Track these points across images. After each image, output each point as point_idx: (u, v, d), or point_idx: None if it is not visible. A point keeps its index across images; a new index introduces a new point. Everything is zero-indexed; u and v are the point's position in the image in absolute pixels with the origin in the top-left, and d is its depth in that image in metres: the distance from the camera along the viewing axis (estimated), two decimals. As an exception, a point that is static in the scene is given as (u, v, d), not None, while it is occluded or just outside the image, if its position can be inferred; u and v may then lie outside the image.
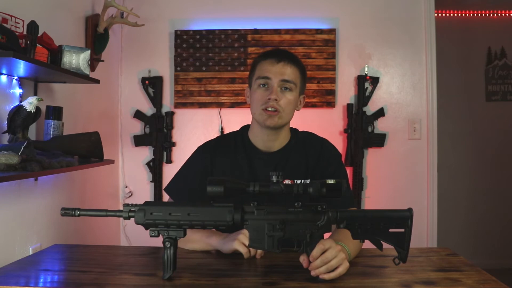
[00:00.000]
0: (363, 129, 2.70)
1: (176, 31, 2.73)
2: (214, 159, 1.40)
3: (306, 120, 2.69)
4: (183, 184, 1.41)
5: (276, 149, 1.40)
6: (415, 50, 2.76)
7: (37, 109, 1.58)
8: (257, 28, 2.73)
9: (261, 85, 1.34)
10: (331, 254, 1.02)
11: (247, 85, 1.44)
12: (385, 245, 1.06)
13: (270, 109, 1.31)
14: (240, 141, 1.43)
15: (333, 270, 1.03)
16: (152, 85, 2.76)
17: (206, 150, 1.43)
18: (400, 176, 2.75)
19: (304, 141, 1.43)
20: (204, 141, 2.73)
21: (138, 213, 1.04)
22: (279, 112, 1.32)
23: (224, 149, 1.42)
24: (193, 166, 1.43)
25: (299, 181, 1.06)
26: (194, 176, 1.40)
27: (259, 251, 1.18)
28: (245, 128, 1.46)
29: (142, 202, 1.06)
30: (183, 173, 1.43)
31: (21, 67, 1.44)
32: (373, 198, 2.74)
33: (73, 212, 1.04)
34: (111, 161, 2.04)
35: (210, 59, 2.72)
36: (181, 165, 1.47)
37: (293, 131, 1.46)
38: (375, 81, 2.72)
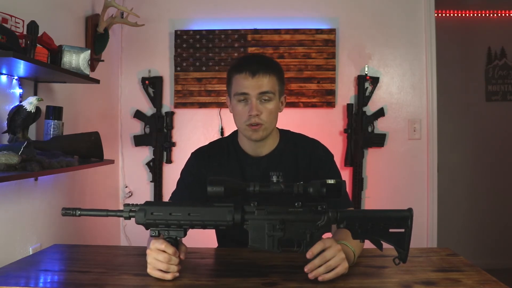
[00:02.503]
0: (363, 129, 2.70)
1: (176, 31, 2.73)
2: (207, 164, 1.41)
3: (306, 120, 2.70)
4: (186, 192, 1.40)
5: (265, 154, 1.40)
6: (415, 50, 2.76)
7: (37, 109, 1.58)
8: (257, 28, 2.73)
9: (240, 101, 1.33)
10: (330, 254, 1.02)
11: (227, 94, 1.42)
12: (385, 245, 1.06)
13: (253, 124, 1.31)
14: (231, 146, 1.44)
15: (331, 270, 1.03)
16: (152, 85, 2.76)
17: (199, 156, 1.44)
18: (400, 176, 2.75)
19: (295, 143, 1.43)
20: (204, 141, 2.73)
21: (138, 213, 1.04)
22: (262, 125, 1.32)
23: (217, 155, 1.43)
24: (189, 172, 1.43)
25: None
26: (192, 183, 1.40)
27: (182, 252, 1.06)
28: (235, 134, 1.46)
29: (142, 202, 1.06)
30: (182, 182, 1.43)
31: (21, 67, 1.44)
32: (373, 198, 2.74)
33: (74, 212, 1.04)
34: (111, 161, 2.04)
35: (210, 59, 2.72)
36: (181, 168, 1.46)
37: (284, 133, 1.46)
38: (375, 81, 2.72)
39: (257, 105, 1.30)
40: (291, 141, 1.44)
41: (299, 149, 1.41)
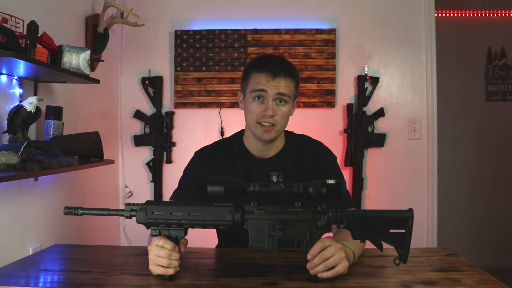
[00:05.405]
0: (363, 129, 2.70)
1: (176, 31, 2.73)
2: (212, 165, 1.41)
3: (306, 120, 2.70)
4: (187, 192, 1.40)
5: (270, 156, 1.41)
6: (415, 50, 2.76)
7: (37, 109, 1.58)
8: (257, 28, 2.73)
9: (256, 98, 1.33)
10: (329, 252, 1.03)
11: (240, 89, 1.43)
12: (385, 245, 1.06)
13: (265, 124, 1.32)
14: (236, 147, 1.43)
15: (331, 269, 1.03)
16: (152, 85, 2.76)
17: (203, 156, 1.43)
18: (400, 176, 2.75)
19: (299, 145, 1.43)
20: (204, 141, 2.72)
21: (139, 212, 1.04)
22: (275, 126, 1.32)
23: (221, 155, 1.42)
24: (192, 172, 1.42)
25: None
26: (194, 182, 1.39)
27: (182, 245, 1.07)
28: (240, 134, 1.46)
29: (142, 202, 1.06)
30: (185, 181, 1.42)
31: (21, 67, 1.44)
32: (373, 198, 2.74)
33: (76, 211, 1.04)
34: (111, 161, 2.04)
35: (210, 59, 2.72)
36: (181, 168, 1.46)
37: (288, 134, 1.46)
38: (375, 81, 2.72)
39: (272, 106, 1.31)
40: (296, 142, 1.44)
41: (303, 151, 1.42)
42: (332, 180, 1.03)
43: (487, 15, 3.68)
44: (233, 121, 2.74)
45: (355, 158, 2.70)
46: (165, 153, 2.76)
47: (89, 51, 1.76)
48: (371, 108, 2.74)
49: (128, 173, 2.80)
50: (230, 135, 1.51)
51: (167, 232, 1.05)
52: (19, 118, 1.51)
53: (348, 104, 2.72)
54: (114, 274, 1.11)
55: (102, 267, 1.16)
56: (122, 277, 1.08)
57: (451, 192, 3.55)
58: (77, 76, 1.70)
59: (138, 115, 2.77)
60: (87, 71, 1.76)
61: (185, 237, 1.07)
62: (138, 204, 1.06)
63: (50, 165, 1.47)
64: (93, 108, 2.40)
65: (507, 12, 3.67)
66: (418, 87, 2.77)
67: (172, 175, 2.71)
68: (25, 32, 1.49)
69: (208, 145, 1.48)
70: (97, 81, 1.89)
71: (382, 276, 1.11)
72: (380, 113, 2.73)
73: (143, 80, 2.76)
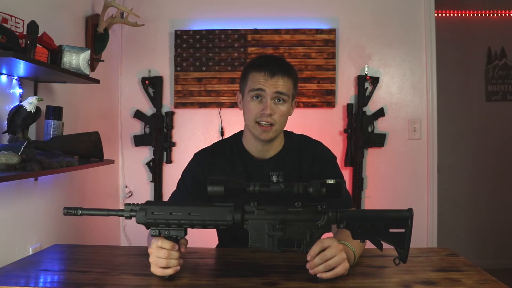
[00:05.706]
0: (363, 129, 2.70)
1: (176, 31, 2.73)
2: (211, 166, 1.40)
3: (306, 120, 2.70)
4: (186, 193, 1.39)
5: (270, 156, 1.40)
6: (415, 50, 2.76)
7: (37, 109, 1.58)
8: (257, 28, 2.73)
9: (254, 97, 1.33)
10: (330, 253, 1.02)
11: (239, 90, 1.43)
12: (385, 245, 1.06)
13: (264, 123, 1.31)
14: (235, 148, 1.43)
15: (331, 270, 1.03)
16: (152, 85, 2.76)
17: (203, 157, 1.43)
18: (400, 176, 2.75)
19: (298, 145, 1.43)
20: (204, 141, 2.72)
21: (139, 213, 1.04)
22: (273, 125, 1.32)
23: (221, 156, 1.42)
24: (192, 173, 1.42)
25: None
26: (193, 184, 1.39)
27: (182, 245, 1.07)
28: (239, 135, 1.46)
29: (142, 202, 1.07)
30: (183, 183, 1.42)
31: (21, 67, 1.44)
32: (373, 198, 2.74)
33: (75, 212, 1.05)
34: (111, 161, 2.04)
35: (210, 59, 2.72)
36: (181, 168, 1.46)
37: (287, 134, 1.46)
38: (375, 81, 2.72)
39: (271, 105, 1.31)
40: (295, 142, 1.44)
41: (302, 151, 1.41)
42: (332, 180, 1.03)
43: (487, 15, 3.68)
44: (233, 121, 2.74)
45: (355, 158, 2.70)
46: (165, 153, 2.76)
47: (89, 51, 1.76)
48: (371, 108, 2.75)
49: (128, 173, 2.80)
50: (230, 135, 1.51)
51: (167, 232, 1.05)
52: (19, 118, 1.51)
53: (348, 104, 2.72)
54: (114, 274, 1.11)
55: (102, 267, 1.16)
56: (122, 277, 1.08)
57: (451, 192, 3.55)
58: (77, 76, 1.70)
59: (138, 115, 2.77)
60: (87, 71, 1.76)
61: (185, 237, 1.07)
62: (138, 204, 1.06)
63: (50, 165, 1.47)
64: (93, 108, 2.40)
65: (507, 12, 3.67)
66: (418, 87, 2.77)
67: (172, 175, 2.71)
68: (25, 32, 1.49)
69: (207, 146, 1.48)
70: (97, 81, 1.89)
71: (382, 276, 1.11)
72: (380, 113, 2.73)
73: (143, 80, 2.76)
